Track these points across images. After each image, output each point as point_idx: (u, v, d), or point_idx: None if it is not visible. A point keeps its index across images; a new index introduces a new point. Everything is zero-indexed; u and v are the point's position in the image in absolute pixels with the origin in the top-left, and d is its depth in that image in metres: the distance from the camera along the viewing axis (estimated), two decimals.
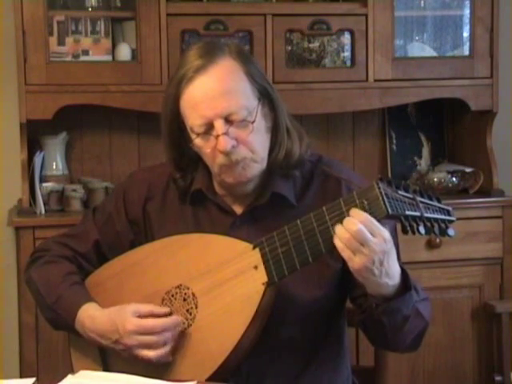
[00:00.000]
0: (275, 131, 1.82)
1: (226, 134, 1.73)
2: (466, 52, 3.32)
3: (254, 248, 1.71)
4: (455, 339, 3.20)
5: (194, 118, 1.76)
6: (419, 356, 3.15)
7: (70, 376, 1.69)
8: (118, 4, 3.14)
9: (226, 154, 1.74)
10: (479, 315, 3.21)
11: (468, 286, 3.21)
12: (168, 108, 1.82)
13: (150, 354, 1.72)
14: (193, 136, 1.78)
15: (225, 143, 1.73)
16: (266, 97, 1.80)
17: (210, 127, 1.75)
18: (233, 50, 1.79)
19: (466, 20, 3.32)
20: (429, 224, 1.61)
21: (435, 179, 3.31)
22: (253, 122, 1.75)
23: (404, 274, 1.69)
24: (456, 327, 3.20)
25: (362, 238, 1.57)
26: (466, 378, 3.22)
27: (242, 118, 1.74)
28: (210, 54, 1.77)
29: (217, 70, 1.75)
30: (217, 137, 1.74)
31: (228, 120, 1.74)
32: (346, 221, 1.59)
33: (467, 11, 3.31)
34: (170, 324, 1.73)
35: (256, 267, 1.70)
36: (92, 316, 1.80)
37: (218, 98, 1.73)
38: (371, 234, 1.58)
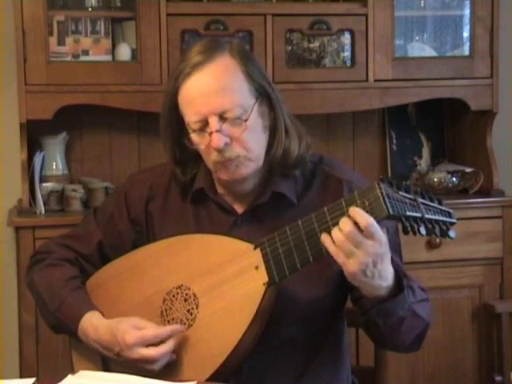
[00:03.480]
0: (274, 130, 1.83)
1: (219, 131, 1.74)
2: (466, 52, 3.32)
3: (255, 248, 1.71)
4: (455, 339, 3.20)
5: (190, 115, 1.78)
6: (419, 356, 3.15)
7: (70, 376, 1.69)
8: (118, 4, 3.14)
9: (219, 151, 1.75)
10: (479, 315, 3.21)
11: (468, 286, 3.21)
12: (167, 102, 1.83)
13: (152, 366, 1.72)
14: (190, 132, 1.79)
15: (218, 140, 1.74)
16: (264, 96, 1.81)
17: (205, 124, 1.76)
18: (234, 48, 1.80)
19: (466, 20, 3.32)
20: (430, 225, 1.61)
21: (435, 179, 3.30)
22: (246, 121, 1.75)
23: (397, 274, 1.68)
24: (456, 327, 3.20)
25: (355, 239, 1.56)
26: (466, 378, 3.22)
27: (236, 116, 1.75)
28: (209, 51, 1.78)
29: (213, 67, 1.76)
30: (210, 134, 1.75)
31: (222, 117, 1.75)
32: (341, 222, 1.58)
33: (467, 11, 3.31)
34: (169, 333, 1.72)
35: (257, 267, 1.70)
36: (95, 326, 1.79)
37: (212, 95, 1.74)
38: (368, 236, 1.57)
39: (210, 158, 1.78)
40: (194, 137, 1.79)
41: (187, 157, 1.88)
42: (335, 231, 1.59)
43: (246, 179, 1.81)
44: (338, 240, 1.58)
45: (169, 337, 1.72)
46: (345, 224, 1.57)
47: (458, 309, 3.20)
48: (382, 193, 1.57)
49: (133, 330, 1.73)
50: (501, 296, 3.22)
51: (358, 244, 1.57)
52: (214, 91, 1.74)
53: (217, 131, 1.74)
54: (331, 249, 1.59)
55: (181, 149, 1.87)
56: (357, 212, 1.57)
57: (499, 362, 3.18)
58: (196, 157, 1.87)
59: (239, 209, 1.86)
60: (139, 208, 1.94)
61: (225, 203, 1.87)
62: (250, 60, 1.82)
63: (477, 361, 3.22)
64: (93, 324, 1.80)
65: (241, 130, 1.75)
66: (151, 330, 1.73)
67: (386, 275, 1.64)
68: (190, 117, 1.77)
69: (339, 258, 1.59)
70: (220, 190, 1.88)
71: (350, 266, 1.58)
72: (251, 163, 1.78)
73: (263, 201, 1.83)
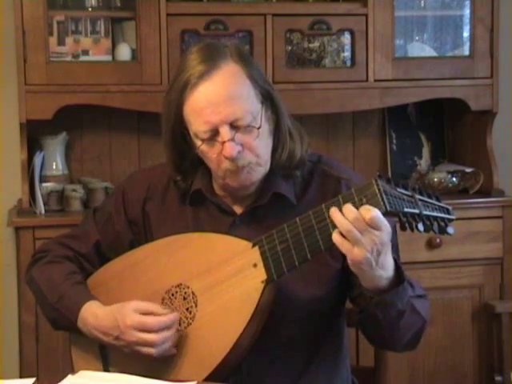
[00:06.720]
0: (277, 133, 1.82)
1: (232, 140, 1.73)
2: (466, 52, 3.33)
3: (254, 246, 1.71)
4: (455, 339, 3.20)
5: (198, 125, 1.75)
6: (419, 356, 3.15)
7: (69, 376, 1.69)
8: (118, 4, 3.15)
9: (232, 159, 1.73)
10: (479, 315, 3.22)
11: (468, 286, 3.21)
12: (171, 113, 1.80)
13: (151, 350, 1.72)
14: (197, 142, 1.77)
15: (231, 149, 1.72)
16: (268, 99, 1.80)
17: (215, 133, 1.74)
18: (234, 52, 1.78)
19: (466, 20, 3.33)
20: (428, 222, 1.62)
21: (435, 179, 3.31)
22: (259, 128, 1.75)
23: (397, 267, 1.69)
24: (456, 327, 3.20)
25: (361, 225, 1.57)
26: (466, 378, 3.22)
27: (248, 124, 1.74)
28: (212, 59, 1.75)
29: (220, 76, 1.74)
30: (222, 143, 1.73)
31: (233, 126, 1.73)
32: (345, 208, 1.58)
33: (467, 11, 3.31)
34: (169, 322, 1.73)
35: (255, 265, 1.70)
36: (95, 313, 1.80)
37: (222, 104, 1.72)
38: (374, 227, 1.57)
39: (221, 167, 1.77)
40: (202, 147, 1.77)
41: (187, 164, 1.87)
42: (340, 220, 1.58)
43: (254, 184, 1.81)
44: (344, 227, 1.57)
45: (169, 326, 1.72)
46: (349, 211, 1.57)
47: (457, 309, 3.20)
48: (379, 189, 1.57)
49: (134, 314, 1.74)
50: (501, 296, 3.22)
51: (364, 231, 1.57)
52: (223, 100, 1.73)
53: (229, 140, 1.72)
54: (336, 238, 1.59)
55: (181, 156, 1.86)
56: (366, 209, 1.57)
57: (499, 362, 3.18)
58: (195, 163, 1.86)
59: (238, 210, 1.86)
60: (136, 208, 1.94)
61: (224, 204, 1.86)
62: (250, 62, 1.81)
63: (477, 361, 3.22)
64: (93, 312, 1.80)
65: (253, 137, 1.75)
66: (152, 318, 1.73)
67: (387, 265, 1.64)
68: (199, 126, 1.75)
69: (344, 245, 1.59)
70: (219, 191, 1.87)
71: (356, 253, 1.59)
72: (260, 168, 1.78)
73: (263, 202, 1.83)
